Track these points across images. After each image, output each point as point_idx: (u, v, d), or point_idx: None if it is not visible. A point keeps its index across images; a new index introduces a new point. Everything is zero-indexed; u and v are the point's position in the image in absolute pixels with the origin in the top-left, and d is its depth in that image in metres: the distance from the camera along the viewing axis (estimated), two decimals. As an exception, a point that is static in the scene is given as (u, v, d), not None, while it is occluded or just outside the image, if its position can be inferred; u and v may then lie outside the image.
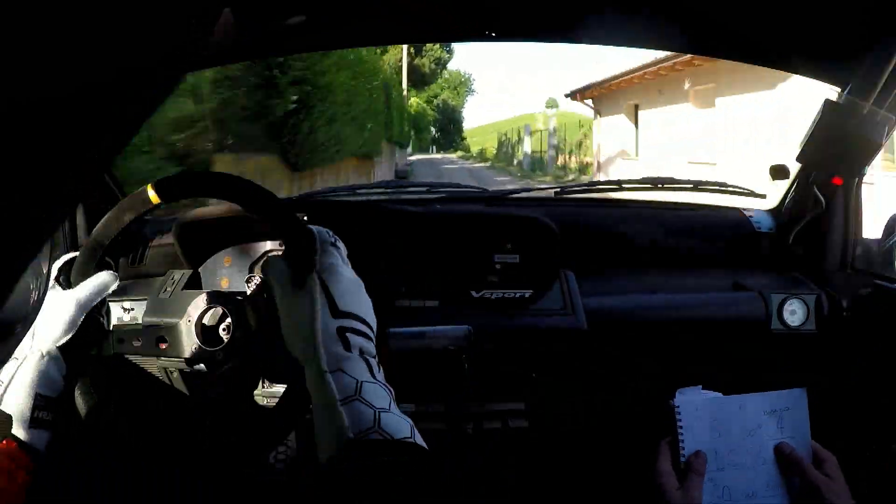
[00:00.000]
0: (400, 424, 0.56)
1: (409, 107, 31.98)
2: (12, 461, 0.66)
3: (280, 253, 0.68)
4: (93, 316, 0.79)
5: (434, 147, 46.80)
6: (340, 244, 0.68)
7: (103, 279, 0.79)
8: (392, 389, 0.60)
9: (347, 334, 0.60)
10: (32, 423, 0.68)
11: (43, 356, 0.72)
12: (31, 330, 0.71)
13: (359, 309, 0.63)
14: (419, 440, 0.56)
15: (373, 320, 0.65)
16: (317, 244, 0.65)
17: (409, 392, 1.00)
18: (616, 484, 1.06)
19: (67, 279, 0.79)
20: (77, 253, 0.82)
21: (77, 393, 0.77)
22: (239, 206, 0.70)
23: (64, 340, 0.74)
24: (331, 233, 0.69)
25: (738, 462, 0.76)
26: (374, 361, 0.61)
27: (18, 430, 0.67)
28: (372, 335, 0.64)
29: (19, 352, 0.72)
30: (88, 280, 0.78)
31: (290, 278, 0.64)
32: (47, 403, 0.70)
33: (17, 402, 0.68)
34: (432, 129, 47.15)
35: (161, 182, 0.71)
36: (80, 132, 0.30)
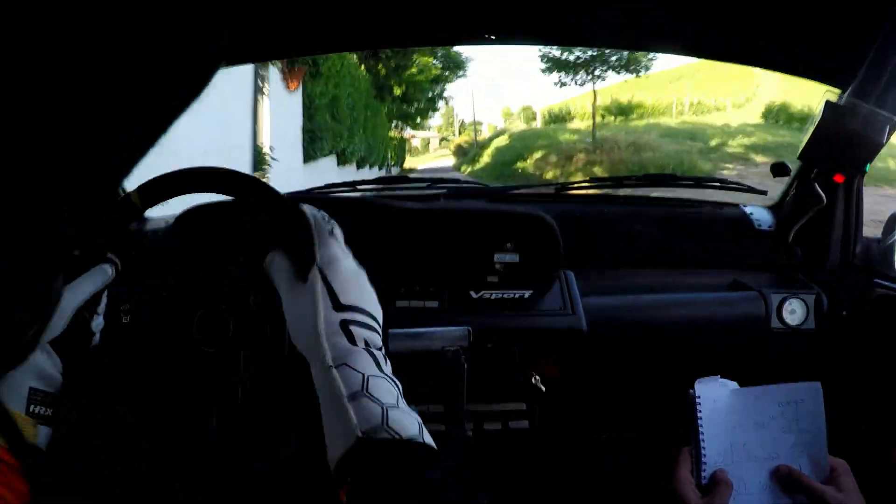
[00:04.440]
0: (408, 422, 0.55)
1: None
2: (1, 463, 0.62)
3: (280, 244, 0.66)
4: (82, 314, 0.74)
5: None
6: (337, 230, 0.66)
7: (97, 274, 0.75)
8: (399, 384, 0.59)
9: (351, 327, 0.59)
10: (29, 416, 0.65)
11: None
12: None
13: (362, 301, 0.62)
14: (428, 439, 0.55)
15: (378, 311, 0.63)
16: (314, 234, 0.63)
17: (409, 393, 1.00)
18: (618, 484, 1.07)
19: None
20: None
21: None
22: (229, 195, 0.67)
23: (52, 336, 0.69)
24: (326, 216, 0.66)
25: (751, 454, 0.76)
26: (380, 354, 0.60)
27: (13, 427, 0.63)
28: (378, 326, 0.62)
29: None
30: (83, 276, 0.73)
31: (291, 273, 0.63)
32: (44, 398, 0.67)
33: (9, 396, 0.64)
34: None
35: (144, 187, 0.68)
36: (91, 145, 0.31)
